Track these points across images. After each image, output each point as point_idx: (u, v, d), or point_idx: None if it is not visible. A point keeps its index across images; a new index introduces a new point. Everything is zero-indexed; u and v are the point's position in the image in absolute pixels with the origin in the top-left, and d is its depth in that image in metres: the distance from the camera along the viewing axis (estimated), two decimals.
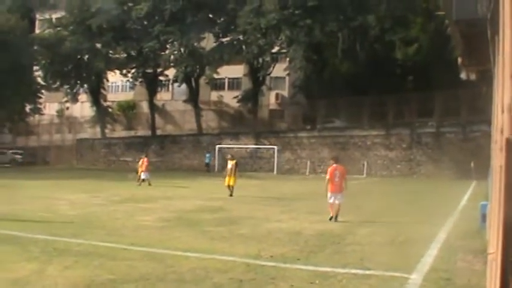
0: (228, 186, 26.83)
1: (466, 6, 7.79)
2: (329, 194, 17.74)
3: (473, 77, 15.96)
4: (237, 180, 27.31)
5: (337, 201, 17.58)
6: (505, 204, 3.74)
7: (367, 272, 9.67)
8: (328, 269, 9.86)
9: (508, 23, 3.88)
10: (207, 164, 59.75)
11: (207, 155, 60.62)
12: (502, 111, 4.34)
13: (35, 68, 72.24)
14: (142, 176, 34.66)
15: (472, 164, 44.06)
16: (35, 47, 69.06)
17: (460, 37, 9.81)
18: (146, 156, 37.20)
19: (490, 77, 11.45)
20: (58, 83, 70.54)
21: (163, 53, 65.87)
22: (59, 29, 68.85)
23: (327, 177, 18.15)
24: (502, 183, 3.99)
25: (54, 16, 74.21)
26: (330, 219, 17.26)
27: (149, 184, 33.81)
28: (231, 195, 26.44)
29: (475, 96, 37.29)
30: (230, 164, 27.19)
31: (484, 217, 14.25)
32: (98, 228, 14.74)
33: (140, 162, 35.77)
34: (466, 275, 9.53)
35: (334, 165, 18.45)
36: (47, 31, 70.11)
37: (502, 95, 4.59)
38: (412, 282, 8.94)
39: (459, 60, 12.87)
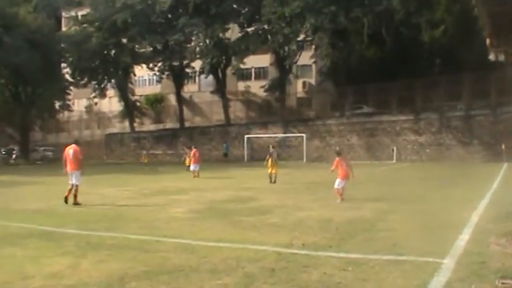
0: (270, 174, 28.52)
1: None
2: (338, 181, 19.69)
3: (502, 58, 15.76)
4: (270, 168, 28.76)
5: (340, 185, 19.68)
6: None
7: (400, 258, 9.63)
8: (360, 256, 9.84)
9: None
10: (225, 154, 60.06)
11: (224, 145, 60.92)
12: None
13: (63, 65, 73.02)
14: (192, 168, 35.64)
15: (503, 146, 43.66)
16: (62, 45, 69.84)
17: (487, 17, 9.69)
18: (196, 148, 37.69)
19: None
20: (86, 79, 71.34)
21: (188, 45, 66.23)
22: (85, 25, 69.58)
23: (332, 168, 20.50)
24: None
25: (79, 13, 75.18)
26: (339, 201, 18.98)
27: (197, 176, 34.40)
28: (274, 182, 28.11)
29: (505, 77, 36.90)
30: (274, 153, 29.25)
31: None
32: (130, 222, 14.86)
33: (191, 154, 36.55)
34: (500, 258, 9.45)
35: (338, 158, 20.25)
36: (73, 28, 70.88)
37: None
38: (445, 267, 8.88)
39: (487, 41, 12.70)
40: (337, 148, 24.25)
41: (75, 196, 19.09)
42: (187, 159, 37.21)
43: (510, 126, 41.99)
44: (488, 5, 8.78)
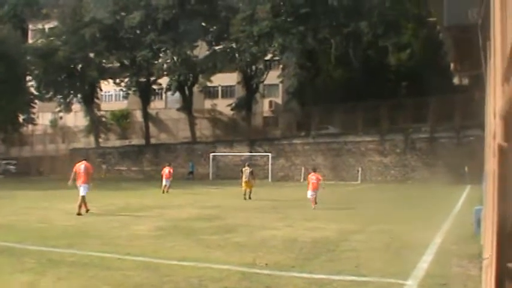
0: (245, 191, 30.33)
1: (457, 13, 7.81)
2: (309, 192, 24.72)
3: (466, 81, 16.04)
4: (244, 186, 30.68)
5: (311, 195, 24.58)
6: (498, 209, 3.74)
7: (363, 279, 9.67)
8: (324, 276, 9.85)
9: (499, 30, 3.89)
10: (191, 172, 59.81)
11: (190, 164, 60.68)
12: (495, 117, 4.35)
13: (28, 78, 72.13)
14: (163, 182, 36.59)
15: (466, 169, 44.16)
16: (28, 57, 69.01)
17: (452, 43, 9.85)
18: (169, 165, 38.94)
19: (482, 81, 11.48)
20: (51, 93, 70.55)
21: (156, 61, 65.92)
22: (51, 38, 68.82)
23: (307, 181, 26.22)
24: (495, 188, 4.00)
25: (47, 26, 74.45)
26: (314, 208, 23.75)
27: (165, 191, 35.45)
28: (249, 198, 29.96)
29: (468, 100, 37.30)
30: (247, 171, 30.93)
31: (478, 222, 14.28)
32: (93, 238, 14.70)
33: (166, 171, 37.36)
34: (462, 281, 9.53)
35: (312, 173, 26.02)
36: (39, 41, 70.02)
37: (494, 101, 4.60)
38: None
39: (451, 65, 12.90)
40: (313, 166, 32.25)
41: (80, 207, 21.36)
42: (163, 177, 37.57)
43: (473, 149, 42.45)
44: (453, 31, 8.92)
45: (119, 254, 12.07)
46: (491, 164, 5.10)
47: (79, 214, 21.03)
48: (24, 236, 15.20)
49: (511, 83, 2.57)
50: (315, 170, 27.05)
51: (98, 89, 74.76)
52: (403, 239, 14.83)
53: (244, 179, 30.80)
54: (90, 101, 72.98)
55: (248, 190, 30.39)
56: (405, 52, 56.79)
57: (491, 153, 4.76)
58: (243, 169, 31.85)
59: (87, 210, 21.65)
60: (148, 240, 14.49)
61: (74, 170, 22.43)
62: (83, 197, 21.60)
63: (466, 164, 44.33)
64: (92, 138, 75.86)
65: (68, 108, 72.45)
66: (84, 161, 22.93)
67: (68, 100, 71.36)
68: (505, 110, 3.29)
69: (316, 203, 24.21)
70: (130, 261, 11.39)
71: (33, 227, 17.45)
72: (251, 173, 31.37)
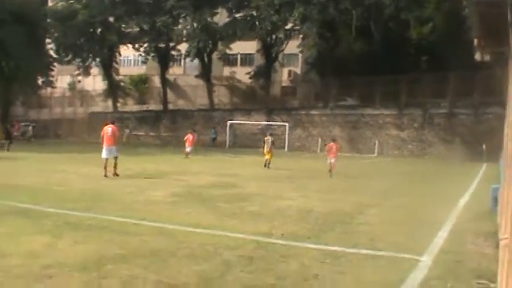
0: (266, 160, 31.18)
1: None
2: (328, 159, 27.31)
3: (487, 58, 15.85)
4: (266, 154, 31.62)
5: (332, 161, 27.01)
6: None
7: (378, 253, 9.67)
8: (338, 249, 9.87)
9: None
10: (214, 139, 59.94)
11: (213, 131, 60.76)
12: None
13: (48, 40, 72.21)
14: (188, 149, 38.37)
15: (484, 146, 43.91)
16: (48, 20, 69.02)
17: (478, 18, 9.69)
18: (193, 132, 41.37)
19: (505, 58, 11.34)
20: (70, 56, 70.68)
21: (176, 27, 65.72)
22: (71, 1, 68.57)
23: (326, 149, 28.69)
24: None
25: None
26: (330, 176, 26.08)
27: (187, 157, 37.14)
28: (268, 167, 30.60)
29: (489, 77, 37.11)
30: (269, 140, 31.94)
31: (495, 200, 14.23)
32: (110, 203, 14.80)
33: (190, 137, 39.29)
34: (476, 259, 9.52)
35: (332, 142, 28.54)
36: (60, 4, 69.82)
37: None
38: (422, 264, 8.94)
39: (475, 41, 12.75)
40: (333, 137, 35.47)
41: (115, 167, 22.74)
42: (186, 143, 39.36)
43: (491, 126, 42.17)
44: (481, 6, 8.78)
45: (135, 219, 12.14)
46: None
47: (116, 175, 22.63)
48: (42, 198, 15.33)
49: None
50: (334, 140, 29.65)
51: (117, 54, 74.71)
52: (419, 214, 14.82)
53: (266, 148, 31.88)
54: (108, 65, 73.04)
55: (268, 159, 31.13)
56: (427, 26, 56.10)
57: None
58: (265, 138, 32.89)
59: (106, 175, 22.32)
60: (165, 206, 14.57)
61: (102, 133, 23.60)
62: (116, 158, 22.91)
63: (484, 142, 44.08)
64: (109, 103, 76.09)
65: (86, 72, 72.66)
66: (111, 124, 23.91)
67: (86, 64, 71.54)
68: None
69: (332, 171, 26.51)
70: (147, 226, 11.47)
71: (50, 189, 17.59)
72: (272, 142, 32.32)
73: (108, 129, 23.42)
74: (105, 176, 22.21)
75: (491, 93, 40.94)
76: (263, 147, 32.88)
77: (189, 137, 39.36)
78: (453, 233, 11.98)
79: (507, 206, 5.03)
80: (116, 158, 22.93)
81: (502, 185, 10.83)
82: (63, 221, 11.64)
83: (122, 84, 77.41)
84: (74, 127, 74.13)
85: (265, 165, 30.85)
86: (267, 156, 31.38)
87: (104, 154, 22.86)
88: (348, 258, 9.20)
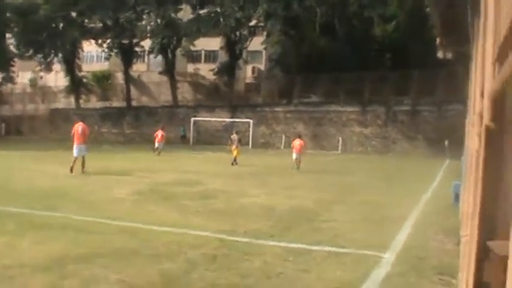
0: (234, 157, 31.44)
1: None
2: (294, 155, 29.24)
3: (450, 56, 16.02)
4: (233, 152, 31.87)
5: (298, 157, 29.06)
6: (482, 188, 3.75)
7: (341, 250, 9.72)
8: (302, 246, 9.90)
9: (491, 7, 3.86)
10: (183, 136, 59.73)
11: (182, 128, 60.57)
12: (482, 96, 4.34)
13: (8, 35, 71.07)
14: (157, 145, 38.91)
15: (446, 143, 44.49)
16: (8, 14, 67.89)
17: (439, 17, 9.80)
18: (162, 129, 41.26)
19: (467, 56, 11.48)
20: (31, 52, 69.76)
21: (139, 23, 65.40)
22: None
23: (292, 145, 30.33)
24: (479, 167, 4.00)
25: None
26: (298, 168, 28.47)
27: (158, 154, 37.64)
28: (236, 164, 30.87)
29: (451, 75, 37.54)
30: (235, 138, 32.47)
31: (456, 196, 14.42)
32: (73, 201, 14.63)
33: (159, 134, 39.73)
34: (438, 255, 9.62)
35: (297, 139, 30.43)
36: None
37: (481, 79, 4.58)
38: (386, 261, 9.00)
39: (437, 40, 12.87)
40: (298, 133, 36.94)
41: (83, 165, 22.92)
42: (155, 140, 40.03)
43: (454, 123, 42.71)
44: (440, 5, 8.88)
45: (98, 218, 12.03)
46: (474, 141, 5.11)
47: (83, 172, 22.65)
48: (3, 196, 15.10)
49: (503, 66, 2.55)
50: (299, 137, 31.59)
51: (80, 49, 73.99)
52: (383, 210, 14.92)
53: (233, 145, 32.19)
54: (71, 61, 72.25)
55: (236, 156, 31.46)
56: (390, 24, 56.66)
57: (476, 131, 4.77)
58: (232, 136, 33.51)
59: (71, 172, 22.38)
60: (128, 204, 14.47)
61: (72, 131, 23.99)
62: (83, 157, 23.15)
63: (447, 138, 44.64)
64: (72, 99, 75.27)
65: (48, 68, 71.81)
66: (81, 122, 24.45)
67: (48, 59, 70.68)
68: (495, 90, 3.28)
69: (298, 166, 28.68)
70: (110, 225, 11.37)
71: (13, 187, 17.32)
72: (239, 140, 32.91)
73: (79, 127, 23.87)
74: (71, 172, 22.24)
75: (454, 90, 41.43)
76: (230, 145, 33.18)
77: (158, 133, 39.72)
78: (416, 229, 12.10)
79: (470, 203, 5.09)
80: (83, 156, 23.16)
81: (463, 182, 10.97)
82: (25, 221, 11.48)
83: (85, 80, 76.60)
84: (35, 124, 73.22)
85: (232, 163, 30.97)
86: (234, 154, 31.64)
87: (75, 153, 23.11)
88: (312, 256, 9.23)
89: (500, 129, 3.23)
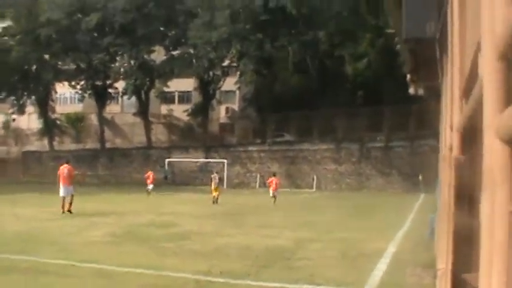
0: (214, 196, 32.44)
1: (416, 26, 7.91)
2: (271, 191, 33.55)
3: (421, 92, 16.24)
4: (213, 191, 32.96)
5: (274, 193, 33.10)
6: (454, 219, 3.80)
7: None
8: (279, 285, 9.86)
9: (457, 45, 3.95)
10: (166, 177, 59.29)
11: (167, 169, 60.20)
12: (451, 130, 4.41)
13: None
14: (149, 186, 40.23)
15: (420, 177, 44.76)
16: None
17: (409, 54, 9.97)
18: (151, 171, 43.36)
19: (437, 92, 11.66)
20: (4, 94, 69.21)
21: (113, 65, 65.47)
22: (5, 38, 67.40)
23: (268, 182, 36.00)
24: (451, 199, 4.05)
25: (0, 25, 72.80)
26: (274, 202, 31.79)
27: (148, 194, 38.88)
28: (216, 202, 31.88)
29: (423, 111, 37.88)
30: (215, 178, 33.72)
31: (432, 230, 14.48)
32: (47, 244, 14.45)
33: (146, 176, 41.63)
34: None
35: (273, 177, 34.91)
36: None
37: (450, 114, 4.66)
38: None
39: (408, 76, 13.07)
40: (274, 172, 40.14)
41: (70, 204, 23.51)
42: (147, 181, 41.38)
43: (427, 158, 43.09)
44: (410, 44, 9.04)
45: (73, 261, 11.88)
46: (446, 174, 5.18)
47: (70, 212, 23.38)
48: None
49: (469, 100, 2.61)
50: (274, 175, 36.36)
51: (53, 91, 73.57)
52: (358, 247, 14.93)
53: (213, 185, 33.19)
54: (44, 103, 71.72)
55: (216, 195, 32.41)
56: (362, 62, 57.26)
57: (447, 164, 4.84)
58: (212, 176, 34.68)
59: (63, 212, 23.32)
60: (103, 247, 14.32)
61: (58, 173, 25.04)
62: (72, 196, 23.94)
63: (420, 173, 44.94)
64: (45, 141, 74.65)
65: (21, 110, 71.09)
66: (66, 165, 25.58)
67: (21, 102, 70.01)
68: (462, 124, 3.34)
69: (275, 201, 32.04)
70: (85, 268, 11.24)
71: None
72: (219, 179, 34.82)
73: (64, 169, 24.92)
74: (63, 212, 23.20)
75: (426, 125, 41.83)
76: (210, 185, 34.26)
77: (150, 174, 41.21)
78: (392, 265, 12.11)
79: (444, 235, 5.14)
80: (71, 196, 23.89)
81: (438, 215, 11.04)
82: None
83: (58, 122, 76.10)
84: (7, 167, 72.31)
85: (213, 202, 31.84)
86: (215, 193, 32.58)
87: (62, 193, 24.02)
88: None
89: (469, 162, 3.29)
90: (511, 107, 1.14)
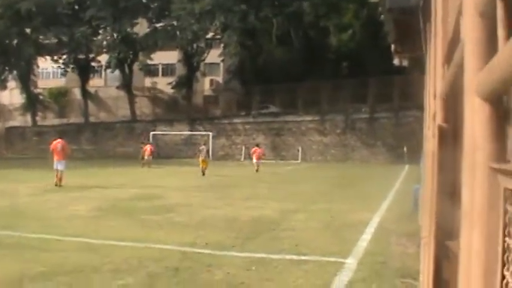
0: (202, 168, 32.97)
1: None
2: (254, 160, 37.27)
3: (405, 63, 16.22)
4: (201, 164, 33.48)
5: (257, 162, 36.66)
6: (437, 188, 3.79)
7: (303, 258, 9.74)
8: (264, 255, 9.89)
9: (440, 12, 3.92)
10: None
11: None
12: (434, 98, 4.40)
13: None
14: (146, 158, 42.23)
15: (405, 149, 45.00)
16: None
17: (392, 24, 9.92)
18: (150, 144, 46.31)
19: (422, 63, 11.64)
20: None
21: (95, 38, 64.83)
22: None
23: (251, 152, 39.17)
24: (434, 168, 4.05)
25: None
26: (256, 171, 35.39)
27: (148, 167, 40.55)
28: (203, 174, 32.33)
29: (408, 82, 37.92)
30: (203, 150, 34.54)
31: (416, 200, 14.56)
32: (30, 219, 14.38)
33: (144, 149, 43.34)
34: (400, 258, 9.70)
35: (256, 147, 38.56)
36: None
37: (434, 83, 4.64)
38: (348, 267, 9.05)
39: (392, 47, 13.04)
40: (257, 143, 42.73)
41: (60, 179, 24.41)
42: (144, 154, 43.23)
43: (411, 129, 43.30)
44: (394, 13, 8.99)
45: (57, 235, 11.84)
46: (430, 143, 5.17)
47: (60, 186, 24.16)
48: None
49: (451, 66, 2.59)
50: (257, 145, 39.72)
51: (35, 66, 72.92)
52: (343, 217, 15.00)
53: (201, 157, 33.89)
54: (26, 78, 71.08)
55: (204, 167, 32.99)
56: (346, 33, 57.15)
57: (431, 133, 4.82)
58: (200, 148, 35.75)
59: (57, 185, 24.19)
60: (88, 221, 14.29)
61: (51, 148, 25.70)
62: (62, 172, 24.76)
63: (405, 144, 45.16)
64: (28, 117, 74.14)
65: (2, 85, 70.45)
66: (60, 139, 26.01)
67: (2, 77, 69.36)
68: (445, 91, 3.32)
69: (257, 170, 35.84)
70: (70, 242, 11.20)
71: None
72: (207, 152, 35.61)
73: (58, 144, 25.51)
74: (56, 185, 24.08)
75: (410, 97, 41.91)
76: (198, 157, 35.03)
77: (147, 148, 43.13)
78: (377, 235, 12.20)
79: (427, 204, 5.15)
80: (61, 171, 24.70)
81: (422, 186, 11.09)
82: None
83: (41, 97, 75.53)
84: None
85: (203, 174, 32.42)
86: (203, 165, 33.10)
87: (56, 166, 24.81)
88: (274, 265, 9.22)
89: (453, 129, 3.27)
90: (489, 63, 1.12)
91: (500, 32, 1.07)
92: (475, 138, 1.20)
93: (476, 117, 1.19)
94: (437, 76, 4.14)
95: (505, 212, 1.06)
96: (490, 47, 1.21)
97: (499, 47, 1.07)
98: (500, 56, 1.01)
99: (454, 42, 2.77)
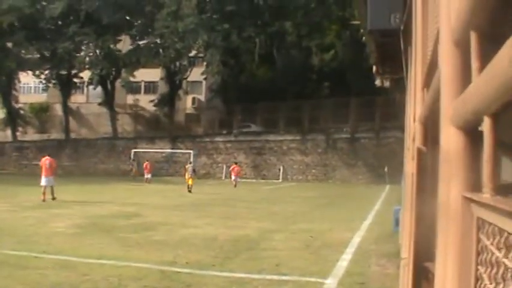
0: (188, 185, 34.86)
1: (381, 17, 7.95)
2: (233, 177, 40.12)
3: (387, 84, 16.35)
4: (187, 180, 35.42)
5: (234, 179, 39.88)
6: (416, 209, 3.82)
7: (283, 278, 9.72)
8: (244, 275, 9.86)
9: (420, 36, 3.98)
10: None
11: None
12: (414, 121, 4.44)
13: None
14: (146, 176, 45.63)
15: (386, 169, 45.18)
16: None
17: (374, 46, 10.02)
18: (148, 161, 48.44)
19: (403, 85, 11.75)
20: None
21: (78, 54, 64.54)
22: None
23: (230, 169, 41.22)
24: (413, 189, 4.08)
25: None
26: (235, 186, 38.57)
27: (148, 183, 43.72)
28: (190, 191, 33.93)
29: (389, 102, 38.31)
30: (189, 168, 36.42)
31: (397, 221, 14.61)
32: (8, 236, 14.24)
33: (144, 166, 46.82)
34: (380, 279, 9.72)
35: (234, 165, 41.44)
36: None
37: (414, 105, 4.69)
38: (328, 287, 9.05)
39: (373, 68, 13.15)
40: (235, 161, 45.37)
41: (52, 193, 25.77)
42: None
43: (392, 150, 43.56)
44: (375, 35, 9.08)
45: (35, 252, 11.73)
46: (410, 165, 5.22)
47: (54, 199, 25.55)
48: None
49: (429, 90, 2.63)
50: (236, 163, 43.57)
51: (16, 81, 72.44)
52: (323, 238, 15.01)
53: (187, 175, 35.89)
54: (7, 92, 70.60)
55: (191, 185, 34.64)
56: (328, 53, 57.54)
57: (410, 155, 4.87)
58: (186, 166, 38.07)
59: (44, 200, 24.96)
60: (66, 238, 14.17)
61: (40, 164, 27.21)
62: (52, 187, 26.10)
63: (386, 164, 45.36)
64: (8, 132, 73.56)
65: None
66: (48, 157, 27.36)
67: None
68: (424, 115, 3.36)
69: (235, 185, 39.24)
70: (48, 259, 11.10)
71: None
72: (193, 170, 36.95)
73: (46, 161, 26.75)
74: (44, 201, 24.77)
75: (391, 117, 42.29)
76: (184, 175, 37.59)
77: (147, 165, 46.24)
78: (357, 255, 12.21)
79: (408, 225, 5.19)
80: (52, 187, 26.01)
81: (403, 206, 11.15)
82: None
83: (22, 112, 75.03)
84: None
85: (188, 191, 33.99)
86: (189, 182, 34.86)
87: (43, 182, 25.91)
88: (254, 285, 9.20)
89: (431, 153, 3.31)
90: (463, 94, 1.14)
91: (474, 63, 1.09)
92: (450, 166, 1.22)
93: (451, 146, 1.21)
94: (417, 99, 4.19)
95: (478, 240, 1.08)
96: (465, 75, 1.24)
97: (472, 78, 1.10)
98: (473, 87, 1.04)
99: (432, 67, 2.81)
